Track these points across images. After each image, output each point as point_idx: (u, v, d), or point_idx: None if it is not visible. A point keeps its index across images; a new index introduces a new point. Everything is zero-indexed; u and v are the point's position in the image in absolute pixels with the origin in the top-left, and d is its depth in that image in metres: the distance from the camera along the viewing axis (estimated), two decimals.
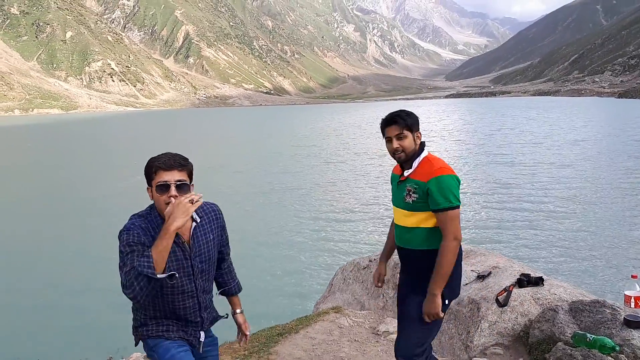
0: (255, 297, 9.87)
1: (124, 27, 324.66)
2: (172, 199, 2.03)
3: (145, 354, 2.43)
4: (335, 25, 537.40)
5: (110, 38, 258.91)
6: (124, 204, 19.15)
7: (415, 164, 2.64)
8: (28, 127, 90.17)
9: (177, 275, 2.06)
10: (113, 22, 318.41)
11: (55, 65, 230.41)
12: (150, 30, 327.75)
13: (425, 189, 2.54)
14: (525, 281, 3.92)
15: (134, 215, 2.15)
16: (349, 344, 4.11)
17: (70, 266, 13.25)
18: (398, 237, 2.76)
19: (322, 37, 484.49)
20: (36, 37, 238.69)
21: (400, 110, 2.70)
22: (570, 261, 12.09)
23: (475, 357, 3.53)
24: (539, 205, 17.85)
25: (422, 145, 2.70)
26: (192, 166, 2.15)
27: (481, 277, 4.25)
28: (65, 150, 46.62)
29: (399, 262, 2.90)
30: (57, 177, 29.45)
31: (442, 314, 2.54)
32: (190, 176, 2.14)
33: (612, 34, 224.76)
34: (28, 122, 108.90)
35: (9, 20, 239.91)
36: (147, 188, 2.14)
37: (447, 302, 2.61)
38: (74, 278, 12.29)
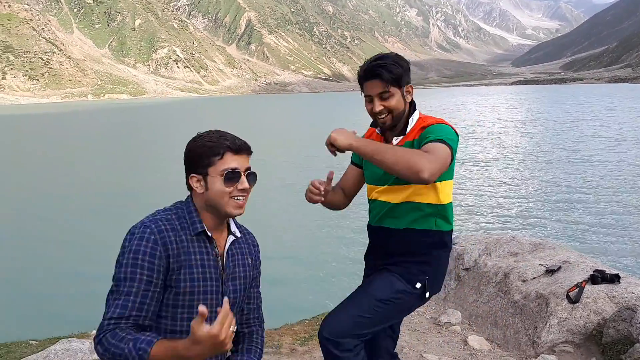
0: (314, 282, 9.98)
1: (189, 15, 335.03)
2: (241, 194, 1.54)
3: None
4: (397, 10, 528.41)
5: (175, 25, 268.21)
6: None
7: (408, 128, 2.00)
8: (107, 111, 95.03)
9: None
10: (179, 10, 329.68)
11: (124, 52, 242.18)
12: (213, 17, 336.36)
13: (420, 142, 1.92)
14: (599, 278, 3.72)
15: (160, 209, 1.57)
16: (409, 332, 4.07)
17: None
18: (377, 216, 2.12)
19: (384, 22, 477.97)
20: (108, 25, 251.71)
21: (385, 56, 1.95)
22: None
23: (543, 353, 3.40)
24: (619, 202, 16.74)
25: (413, 104, 2.03)
26: None
27: (550, 272, 4.07)
28: (148, 133, 48.89)
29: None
30: (136, 159, 30.93)
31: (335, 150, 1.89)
32: None
33: None
34: (103, 107, 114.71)
35: (83, 9, 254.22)
36: (192, 177, 1.55)
37: (427, 295, 2.13)
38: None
